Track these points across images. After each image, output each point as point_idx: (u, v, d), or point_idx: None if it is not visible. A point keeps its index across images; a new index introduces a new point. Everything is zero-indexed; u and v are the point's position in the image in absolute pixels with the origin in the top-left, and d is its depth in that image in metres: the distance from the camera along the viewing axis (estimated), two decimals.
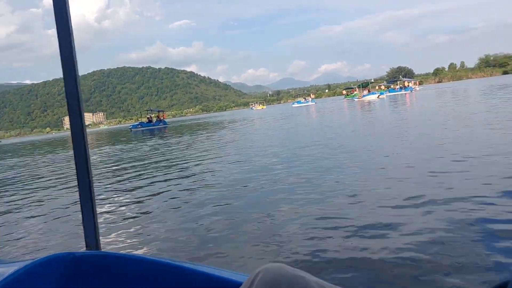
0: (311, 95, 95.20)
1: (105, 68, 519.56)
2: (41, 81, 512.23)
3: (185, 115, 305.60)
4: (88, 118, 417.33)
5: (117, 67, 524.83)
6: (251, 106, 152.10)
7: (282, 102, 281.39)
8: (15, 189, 9.96)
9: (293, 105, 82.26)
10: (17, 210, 6.94)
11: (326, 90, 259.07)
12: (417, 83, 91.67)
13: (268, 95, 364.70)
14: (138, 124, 52.56)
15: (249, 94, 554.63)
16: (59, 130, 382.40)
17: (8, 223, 5.98)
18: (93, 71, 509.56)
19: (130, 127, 55.34)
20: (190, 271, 1.16)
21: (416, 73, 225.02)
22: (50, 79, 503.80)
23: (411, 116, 16.96)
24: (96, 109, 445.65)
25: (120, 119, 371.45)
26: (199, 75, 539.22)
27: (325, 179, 6.21)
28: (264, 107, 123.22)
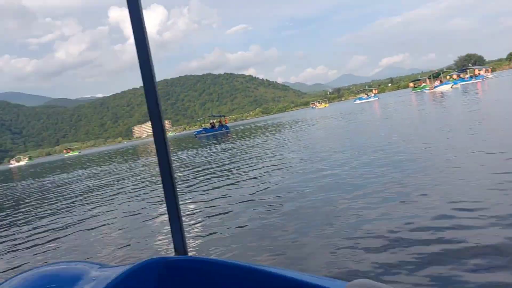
0: (374, 90, 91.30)
1: (169, 78, 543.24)
2: (111, 93, 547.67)
3: (245, 119, 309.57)
4: None
5: (179, 76, 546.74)
6: (311, 105, 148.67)
7: (343, 99, 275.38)
8: (99, 195, 10.51)
9: (355, 102, 79.77)
10: (110, 215, 7.49)
11: (389, 84, 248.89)
12: (489, 70, 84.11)
13: (328, 93, 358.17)
14: (202, 130, 54.12)
15: (308, 94, 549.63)
16: (129, 139, 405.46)
17: (101, 227, 6.50)
18: (158, 81, 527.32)
19: (194, 133, 57.16)
20: (278, 277, 1.14)
21: (487, 59, 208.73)
22: (119, 92, 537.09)
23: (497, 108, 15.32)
24: None
25: (185, 125, 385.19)
26: (258, 78, 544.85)
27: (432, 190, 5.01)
28: (327, 105, 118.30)
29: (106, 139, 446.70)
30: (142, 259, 1.30)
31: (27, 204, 11.76)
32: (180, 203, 1.42)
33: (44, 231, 6.98)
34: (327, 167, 8.20)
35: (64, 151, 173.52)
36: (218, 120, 58.05)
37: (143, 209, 7.32)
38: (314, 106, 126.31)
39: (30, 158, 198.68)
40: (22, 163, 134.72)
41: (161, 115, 1.42)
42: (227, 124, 61.21)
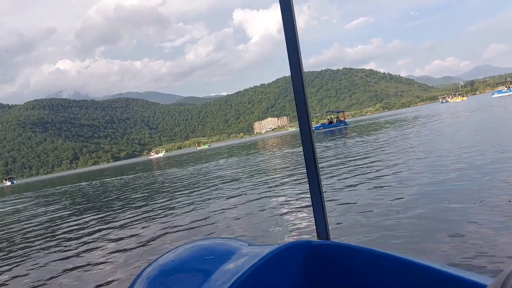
0: None
1: (287, 75, 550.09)
2: (234, 92, 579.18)
3: (364, 114, 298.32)
4: (273, 122, 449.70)
5: None
6: (441, 100, 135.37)
7: (477, 93, 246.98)
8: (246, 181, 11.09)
9: (493, 95, 69.89)
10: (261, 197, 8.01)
11: None
12: None
13: (460, 86, 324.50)
14: (320, 126, 52.78)
15: (435, 87, 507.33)
16: (250, 134, 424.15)
17: (252, 208, 6.96)
18: (277, 79, 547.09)
19: (312, 129, 56.18)
20: (422, 268, 1.11)
21: None
22: (241, 90, 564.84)
23: None
24: (281, 113, 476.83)
25: None
26: (378, 72, 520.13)
27: None
28: (464, 98, 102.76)
29: (229, 134, 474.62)
30: (287, 241, 1.37)
31: (176, 189, 12.59)
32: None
33: (201, 210, 7.71)
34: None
35: (196, 144, 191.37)
36: (336, 116, 56.15)
37: (284, 197, 7.56)
38: (445, 100, 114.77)
39: (167, 150, 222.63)
40: (160, 154, 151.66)
41: (307, 108, 1.47)
42: (346, 120, 59.02)
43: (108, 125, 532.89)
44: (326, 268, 1.36)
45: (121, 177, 28.62)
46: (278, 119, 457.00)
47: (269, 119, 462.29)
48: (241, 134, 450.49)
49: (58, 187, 30.75)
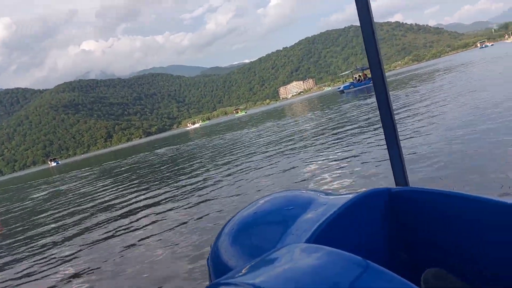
0: None
1: (310, 36, 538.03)
2: (257, 58, 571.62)
3: (393, 69, 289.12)
4: (299, 86, 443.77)
5: (320, 33, 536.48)
6: (480, 45, 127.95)
7: (506, 38, 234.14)
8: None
9: None
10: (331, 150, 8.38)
11: None
12: None
13: (493, 30, 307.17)
14: (349, 85, 51.43)
15: (467, 34, 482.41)
16: (276, 100, 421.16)
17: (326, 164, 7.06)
18: (299, 41, 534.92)
19: (339, 88, 54.60)
20: (499, 204, 1.09)
21: None
22: (264, 55, 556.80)
23: None
24: (306, 76, 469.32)
25: (329, 82, 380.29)
26: (405, 23, 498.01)
27: None
28: None
29: (256, 102, 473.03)
30: (366, 189, 1.37)
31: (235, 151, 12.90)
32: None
33: (287, 165, 7.98)
34: None
35: (234, 111, 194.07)
36: (363, 73, 54.00)
37: (355, 150, 7.65)
38: (485, 45, 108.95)
39: (203, 120, 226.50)
40: (197, 125, 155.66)
41: (380, 58, 1.48)
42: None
43: (136, 102, 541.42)
44: (407, 214, 1.36)
45: (173, 146, 29.68)
46: (303, 82, 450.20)
47: (294, 83, 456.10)
48: (268, 100, 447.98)
49: (112, 162, 32.22)
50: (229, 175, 8.60)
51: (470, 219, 1.18)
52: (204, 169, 10.95)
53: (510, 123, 6.20)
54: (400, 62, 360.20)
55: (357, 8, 1.44)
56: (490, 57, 34.36)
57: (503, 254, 1.11)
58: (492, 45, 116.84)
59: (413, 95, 16.62)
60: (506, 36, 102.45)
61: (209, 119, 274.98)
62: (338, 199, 1.42)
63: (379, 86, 1.50)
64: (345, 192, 1.57)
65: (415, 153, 5.91)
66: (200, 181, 8.87)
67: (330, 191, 1.62)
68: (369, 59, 1.50)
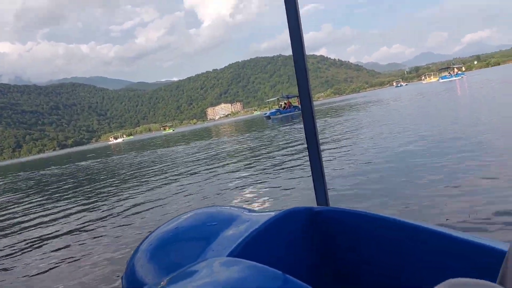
0: (462, 67, 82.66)
1: (240, 60, 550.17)
2: (186, 77, 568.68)
3: (317, 100, 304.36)
4: (227, 108, 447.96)
5: (250, 58, 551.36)
6: (396, 83, 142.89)
7: (422, 79, 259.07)
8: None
9: (441, 80, 73.34)
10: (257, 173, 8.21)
11: (475, 62, 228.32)
12: None
13: (406, 72, 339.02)
14: (276, 111, 52.51)
15: (383, 73, 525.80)
16: (203, 121, 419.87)
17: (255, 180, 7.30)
18: (230, 64, 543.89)
19: (266, 114, 55.22)
20: (420, 230, 1.13)
21: None
22: (193, 75, 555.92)
23: None
24: (234, 99, 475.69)
25: (255, 107, 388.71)
26: (329, 58, 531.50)
27: None
28: (437, 79, 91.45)
29: (182, 120, 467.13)
30: (287, 207, 1.38)
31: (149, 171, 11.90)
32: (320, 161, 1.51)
33: (200, 182, 8.22)
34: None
35: (161, 128, 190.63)
36: (288, 101, 55.55)
37: (281, 171, 7.72)
38: (400, 84, 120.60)
39: (128, 135, 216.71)
40: (119, 140, 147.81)
41: (309, 86, 1.52)
42: (299, 105, 59.45)
43: (53, 111, 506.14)
44: (327, 233, 1.39)
45: (93, 161, 27.42)
46: (231, 105, 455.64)
47: (223, 105, 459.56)
48: (194, 120, 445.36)
49: (30, 171, 28.93)
50: (151, 191, 8.29)
51: (385, 238, 1.24)
52: (125, 186, 10.18)
53: (421, 148, 7.01)
54: (323, 93, 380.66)
55: (290, 40, 1.47)
56: (407, 94, 37.25)
57: (414, 272, 1.14)
58: (406, 84, 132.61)
59: (337, 124, 17.10)
60: (423, 77, 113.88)
61: (131, 134, 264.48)
62: (261, 216, 1.42)
63: (307, 113, 1.53)
64: (268, 210, 1.56)
65: (335, 175, 6.19)
66: (120, 198, 8.21)
67: (253, 209, 1.61)
68: (299, 88, 1.52)
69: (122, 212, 6.84)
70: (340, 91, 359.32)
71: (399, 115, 16.59)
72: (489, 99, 16.79)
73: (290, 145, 13.00)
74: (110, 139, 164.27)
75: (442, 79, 73.01)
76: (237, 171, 9.15)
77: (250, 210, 1.61)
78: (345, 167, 6.78)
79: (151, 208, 6.61)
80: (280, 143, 14.40)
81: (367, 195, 4.70)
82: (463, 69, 79.92)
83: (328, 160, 7.70)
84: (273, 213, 1.36)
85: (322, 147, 8.74)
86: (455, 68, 78.04)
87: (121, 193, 9.35)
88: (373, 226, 1.26)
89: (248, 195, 6.14)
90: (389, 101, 32.23)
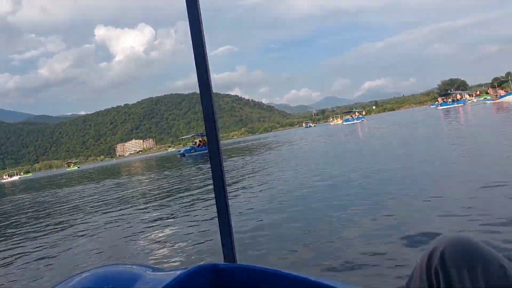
0: (363, 111, 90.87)
1: (153, 96, 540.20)
2: (94, 111, 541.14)
3: (231, 138, 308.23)
4: (139, 145, 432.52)
5: (165, 95, 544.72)
6: (305, 124, 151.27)
7: (330, 121, 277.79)
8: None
9: (344, 123, 78.48)
10: (158, 223, 7.52)
11: (374, 107, 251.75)
12: (473, 94, 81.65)
13: (313, 114, 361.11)
14: (191, 149, 51.23)
15: (293, 115, 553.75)
16: (111, 157, 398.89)
17: (152, 233, 6.60)
18: (142, 100, 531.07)
19: (181, 152, 53.67)
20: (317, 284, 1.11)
21: (470, 84, 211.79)
22: (102, 109, 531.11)
23: None
24: (146, 135, 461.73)
25: (169, 144, 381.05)
26: (243, 98, 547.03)
27: None
28: (342, 121, 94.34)
29: (88, 157, 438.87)
30: (193, 264, 1.34)
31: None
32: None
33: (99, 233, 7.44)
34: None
35: (65, 165, 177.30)
36: (203, 139, 54.64)
37: (191, 218, 7.35)
38: (309, 125, 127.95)
39: (25, 172, 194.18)
40: (15, 178, 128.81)
41: (216, 122, 1.46)
42: None
43: None
44: None
45: None
46: (143, 141, 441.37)
47: (134, 141, 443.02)
48: (102, 156, 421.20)
49: None
50: (44, 239, 7.63)
51: None
52: (15, 231, 9.25)
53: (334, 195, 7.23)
54: (237, 132, 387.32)
55: (197, 76, 1.44)
56: (317, 134, 38.77)
57: None
58: (315, 125, 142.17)
59: (247, 166, 16.75)
60: (331, 119, 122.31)
61: (29, 172, 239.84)
62: (166, 276, 1.33)
63: (214, 152, 1.47)
64: (172, 268, 1.48)
65: (244, 226, 5.89)
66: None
67: (156, 267, 1.52)
68: (206, 127, 1.47)
69: None
70: (254, 130, 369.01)
71: (309, 156, 16.77)
72: (384, 139, 19.74)
73: (204, 183, 12.49)
74: (4, 177, 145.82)
75: (346, 121, 78.97)
76: (145, 215, 8.53)
77: (154, 269, 1.50)
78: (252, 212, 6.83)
79: (39, 264, 5.83)
80: (194, 183, 13.49)
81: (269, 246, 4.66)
82: (364, 113, 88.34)
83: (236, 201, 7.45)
84: (178, 272, 1.29)
85: (232, 188, 8.16)
86: (356, 112, 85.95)
87: (8, 241, 8.26)
88: (285, 286, 1.21)
89: (155, 245, 5.70)
90: (302, 141, 33.21)
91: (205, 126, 1.46)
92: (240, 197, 8.76)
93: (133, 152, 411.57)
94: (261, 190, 9.34)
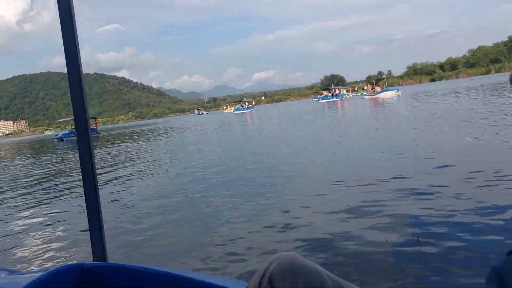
0: (253, 101, 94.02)
1: (27, 74, 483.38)
2: None
3: (117, 122, 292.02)
4: (8, 126, 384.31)
5: (41, 72, 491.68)
6: (198, 111, 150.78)
7: (220, 109, 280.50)
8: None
9: (236, 112, 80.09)
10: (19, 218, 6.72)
11: (263, 98, 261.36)
12: (350, 90, 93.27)
13: (205, 102, 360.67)
14: (70, 133, 46.69)
15: (184, 101, 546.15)
16: None
17: (13, 231, 5.83)
18: (14, 76, 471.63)
19: (59, 136, 48.85)
20: (199, 283, 1.10)
21: (348, 80, 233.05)
22: None
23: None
24: (18, 116, 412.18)
25: (45, 127, 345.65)
26: (131, 80, 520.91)
27: None
28: (233, 110, 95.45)
29: None
30: (56, 265, 1.23)
31: None
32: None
33: None
34: None
35: None
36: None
37: (62, 212, 6.72)
38: (201, 113, 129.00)
39: None
40: None
41: (86, 115, 1.37)
42: (98, 128, 55.24)
43: None
44: None
45: None
46: (14, 122, 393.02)
47: (2, 122, 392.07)
48: None
49: None
50: None
51: None
52: None
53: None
54: (124, 116, 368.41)
55: (65, 54, 1.33)
56: (212, 123, 38.81)
57: None
58: (207, 113, 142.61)
59: (126, 153, 16.05)
60: (224, 107, 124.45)
61: None
62: (22, 279, 1.21)
63: (83, 145, 1.38)
64: (33, 271, 1.36)
65: (117, 224, 5.44)
66: None
67: (14, 269, 1.38)
68: (74, 112, 1.36)
69: None
70: (142, 115, 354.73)
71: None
72: (273, 130, 20.70)
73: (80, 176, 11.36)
74: None
75: (236, 110, 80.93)
76: (9, 208, 7.71)
77: (11, 272, 1.38)
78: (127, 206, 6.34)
79: None
80: (70, 172, 12.39)
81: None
82: (253, 103, 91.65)
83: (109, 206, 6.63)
84: (38, 274, 1.17)
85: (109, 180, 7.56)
86: (246, 102, 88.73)
87: None
88: (156, 283, 1.18)
89: (17, 243, 5.07)
90: (199, 128, 32.87)
91: (74, 116, 1.34)
92: (115, 190, 8.20)
93: (1, 135, 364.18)
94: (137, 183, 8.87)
